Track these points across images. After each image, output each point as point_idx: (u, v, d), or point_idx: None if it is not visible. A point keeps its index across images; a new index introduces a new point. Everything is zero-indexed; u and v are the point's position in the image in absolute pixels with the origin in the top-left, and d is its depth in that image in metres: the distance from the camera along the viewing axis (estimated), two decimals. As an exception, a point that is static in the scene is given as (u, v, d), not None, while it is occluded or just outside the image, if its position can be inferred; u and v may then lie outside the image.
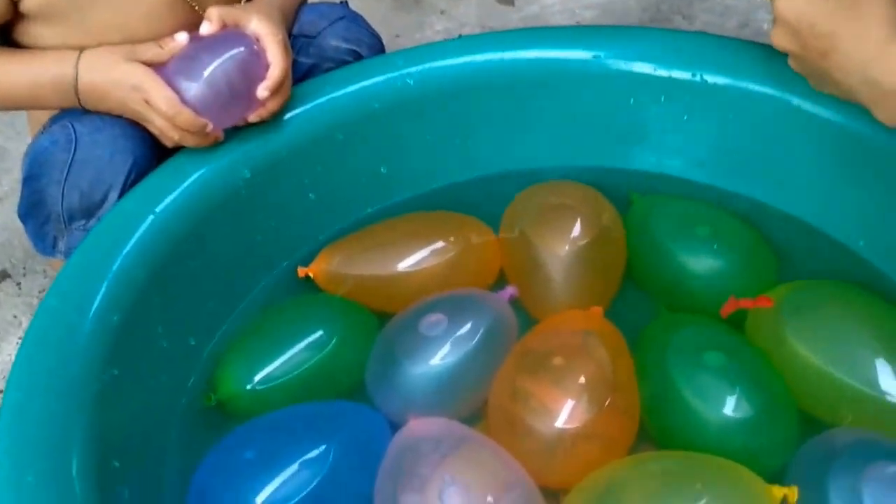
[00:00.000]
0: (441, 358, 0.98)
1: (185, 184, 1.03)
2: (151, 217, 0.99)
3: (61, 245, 1.07)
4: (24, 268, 1.46)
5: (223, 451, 0.92)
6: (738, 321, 1.02)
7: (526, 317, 1.08)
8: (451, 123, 1.24)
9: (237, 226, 1.09)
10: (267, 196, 1.11)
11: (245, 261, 1.11)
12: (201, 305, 1.05)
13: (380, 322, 1.08)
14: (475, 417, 0.98)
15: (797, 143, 1.15)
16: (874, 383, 0.90)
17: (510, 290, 1.08)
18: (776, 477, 0.84)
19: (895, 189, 1.05)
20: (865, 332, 0.94)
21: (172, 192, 1.02)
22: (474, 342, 1.00)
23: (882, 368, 0.90)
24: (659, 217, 1.14)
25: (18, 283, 1.43)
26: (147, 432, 0.93)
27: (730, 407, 0.89)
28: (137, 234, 0.97)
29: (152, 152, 1.05)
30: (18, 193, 1.07)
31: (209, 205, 1.04)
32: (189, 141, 1.01)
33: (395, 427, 0.94)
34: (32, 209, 1.05)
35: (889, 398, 0.89)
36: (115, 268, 0.93)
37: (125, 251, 0.95)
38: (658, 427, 0.95)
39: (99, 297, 0.89)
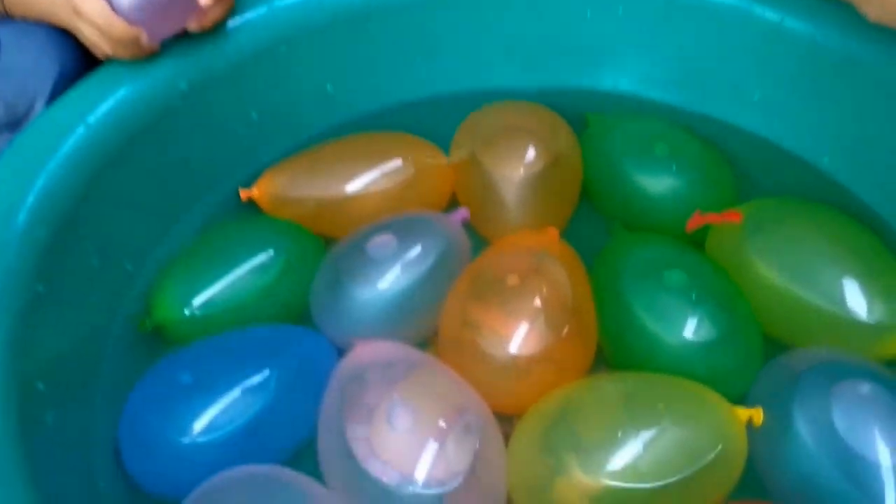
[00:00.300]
0: (389, 281, 0.94)
1: (119, 93, 0.96)
2: (82, 127, 0.92)
3: None
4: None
5: (157, 375, 0.87)
6: (698, 241, 0.99)
7: (478, 240, 1.05)
8: (400, 39, 1.19)
9: (174, 141, 1.03)
10: (205, 111, 1.05)
11: (183, 179, 1.06)
12: (136, 224, 0.99)
13: (326, 247, 1.03)
14: (425, 343, 0.95)
15: (760, 59, 1.11)
16: (839, 301, 0.87)
17: (462, 212, 1.04)
18: (739, 401, 0.82)
19: (860, 103, 1.02)
20: (830, 249, 0.92)
21: (105, 101, 0.95)
22: (424, 264, 0.96)
23: (847, 286, 0.88)
24: (616, 137, 1.10)
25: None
26: (77, 356, 0.88)
27: (691, 329, 0.86)
28: (67, 145, 0.91)
29: (82, 61, 0.99)
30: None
31: (144, 117, 0.98)
32: (122, 53, 0.95)
33: (341, 353, 0.89)
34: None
35: (854, 316, 0.87)
36: (42, 179, 0.87)
37: (53, 162, 0.89)
38: (616, 351, 0.92)
39: (24, 210, 0.83)
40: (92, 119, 0.93)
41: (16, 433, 0.73)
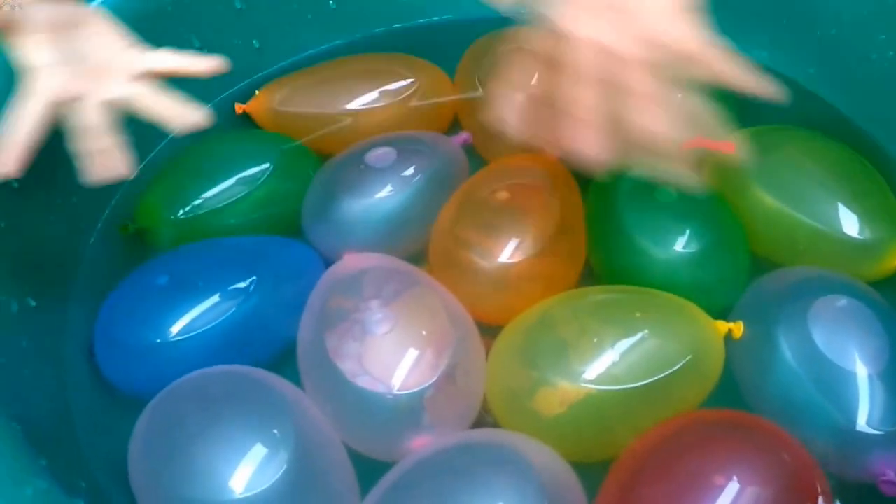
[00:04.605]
0: (385, 192, 0.92)
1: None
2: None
3: None
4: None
5: (136, 278, 0.86)
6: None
7: (479, 163, 1.02)
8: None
9: (163, 45, 0.99)
10: (198, 16, 1.01)
11: (176, 88, 1.02)
12: (126, 128, 0.96)
13: (321, 163, 1.00)
14: (418, 260, 0.91)
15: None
16: (830, 221, 0.86)
17: (464, 135, 1.03)
18: (723, 315, 0.81)
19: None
20: (823, 172, 0.90)
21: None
22: (421, 179, 0.94)
23: (840, 207, 0.86)
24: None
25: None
26: (54, 254, 0.85)
27: (678, 243, 0.85)
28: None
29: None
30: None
31: (132, 16, 0.94)
32: None
33: (330, 265, 0.87)
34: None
35: (845, 236, 0.86)
36: None
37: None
38: (603, 267, 0.90)
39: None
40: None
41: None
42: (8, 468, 0.64)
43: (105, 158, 0.67)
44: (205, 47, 1.03)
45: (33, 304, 0.80)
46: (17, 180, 0.79)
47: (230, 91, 1.08)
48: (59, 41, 0.71)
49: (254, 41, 1.10)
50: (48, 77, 0.69)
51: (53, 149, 0.83)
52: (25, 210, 0.82)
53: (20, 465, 0.65)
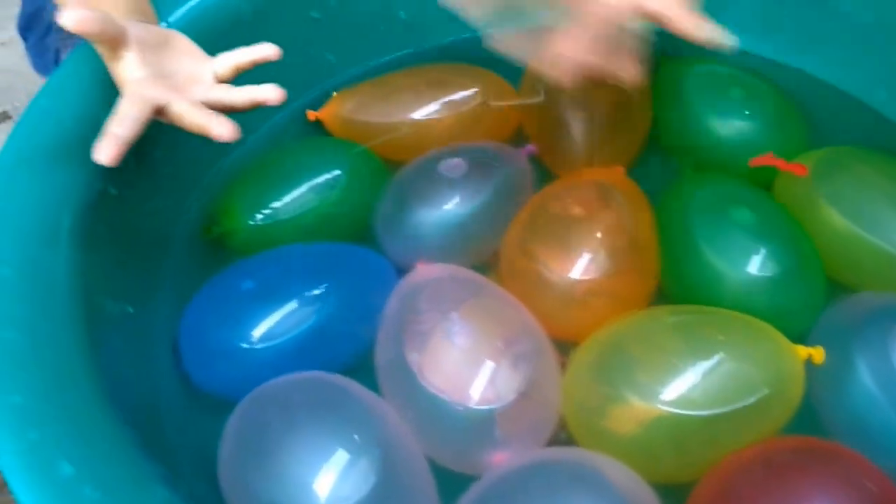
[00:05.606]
0: (457, 202, 0.95)
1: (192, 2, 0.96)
2: (164, 25, 0.92)
3: (64, 56, 1.00)
4: (26, 110, 1.41)
5: (220, 282, 0.88)
6: (765, 184, 0.98)
7: (544, 174, 1.04)
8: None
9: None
10: (274, 26, 1.04)
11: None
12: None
13: (389, 171, 1.03)
14: (484, 270, 0.93)
15: (837, 7, 1.09)
16: None
17: (530, 147, 1.04)
18: (798, 340, 0.81)
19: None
20: (894, 193, 0.90)
21: (184, 4, 0.95)
22: (492, 190, 0.96)
23: None
24: (688, 78, 1.08)
25: (19, 123, 1.39)
26: (140, 257, 0.89)
27: (755, 265, 0.85)
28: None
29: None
30: (21, 40, 1.02)
31: (213, 27, 0.97)
32: None
33: (402, 274, 0.90)
34: (32, 19, 0.99)
35: None
36: None
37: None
38: (678, 287, 0.91)
39: (97, 102, 0.81)
40: (170, 20, 0.93)
41: (82, 328, 0.73)
42: (132, 475, 0.66)
43: (213, 123, 0.74)
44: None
45: (130, 309, 0.83)
46: (115, 186, 0.82)
47: (304, 100, 1.11)
48: (149, 57, 0.75)
49: (328, 54, 1.13)
50: (145, 87, 0.73)
51: (142, 156, 0.88)
52: (122, 214, 0.85)
53: (142, 472, 0.67)
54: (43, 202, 0.76)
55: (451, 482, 0.75)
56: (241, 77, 0.95)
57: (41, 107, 0.82)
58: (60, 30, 0.96)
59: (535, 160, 1.04)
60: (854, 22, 1.08)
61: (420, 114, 1.06)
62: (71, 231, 0.76)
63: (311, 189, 0.97)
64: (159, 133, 0.88)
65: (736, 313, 0.81)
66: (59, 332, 0.70)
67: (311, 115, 1.08)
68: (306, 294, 0.85)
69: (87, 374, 0.69)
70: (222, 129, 0.74)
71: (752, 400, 0.73)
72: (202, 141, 0.89)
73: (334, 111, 1.08)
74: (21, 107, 1.41)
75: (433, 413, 0.77)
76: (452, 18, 1.15)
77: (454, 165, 0.96)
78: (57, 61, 1.01)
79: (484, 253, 0.96)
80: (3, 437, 0.61)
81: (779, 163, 0.95)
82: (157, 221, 0.92)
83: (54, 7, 0.93)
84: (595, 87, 0.98)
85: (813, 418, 0.79)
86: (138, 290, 0.87)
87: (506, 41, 0.87)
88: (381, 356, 0.83)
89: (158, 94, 0.74)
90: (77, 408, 0.66)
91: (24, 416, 0.62)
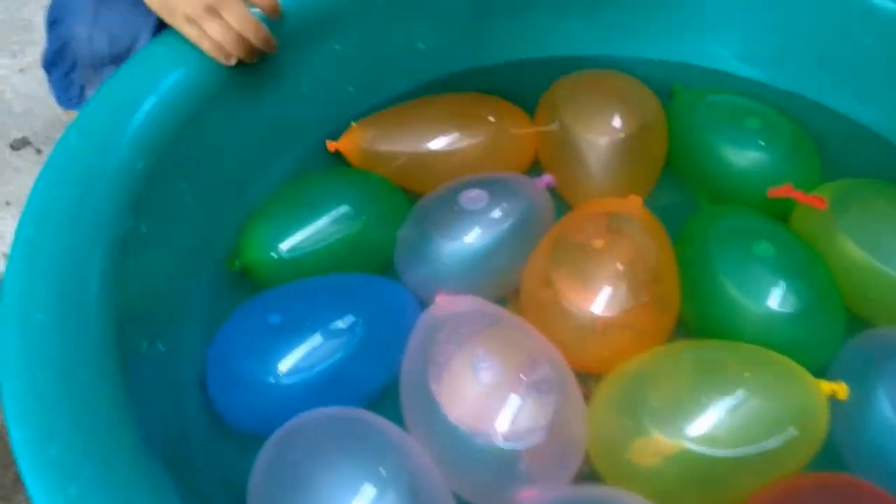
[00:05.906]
0: (477, 234, 0.95)
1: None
2: (183, 67, 0.93)
3: (89, 92, 1.02)
4: (46, 136, 1.42)
5: (245, 315, 0.89)
6: (782, 216, 0.99)
7: (561, 205, 1.05)
8: (494, 2, 1.19)
9: (268, 86, 1.03)
10: (298, 61, 1.06)
11: (275, 127, 1.06)
12: (229, 166, 1.01)
13: (409, 201, 1.04)
14: (504, 302, 0.95)
15: (852, 39, 1.10)
16: None
17: (547, 177, 1.05)
18: (818, 375, 0.81)
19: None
20: None
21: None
22: (512, 222, 0.97)
23: None
24: (704, 109, 1.10)
25: (39, 150, 1.40)
26: (168, 292, 0.90)
27: (776, 299, 0.86)
28: (169, 80, 0.91)
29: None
30: (41, 65, 1.03)
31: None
32: None
33: (422, 305, 0.91)
34: (58, 55, 1.00)
35: None
36: (143, 110, 0.87)
37: (155, 95, 0.90)
38: (698, 320, 0.91)
39: (125, 139, 0.84)
40: (193, 59, 0.94)
41: (115, 363, 0.74)
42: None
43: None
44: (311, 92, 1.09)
45: (162, 347, 0.84)
46: (145, 224, 0.84)
47: (322, 130, 1.12)
48: None
49: (348, 86, 1.15)
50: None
51: (167, 190, 0.89)
52: (150, 250, 0.86)
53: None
54: (74, 242, 0.77)
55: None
56: (264, 110, 0.99)
57: (70, 145, 0.83)
58: (86, 66, 0.98)
59: (551, 191, 1.05)
60: (871, 55, 1.09)
61: (438, 144, 1.08)
62: (102, 271, 0.77)
63: (332, 221, 0.98)
64: (183, 165, 0.90)
65: (759, 348, 0.81)
66: (94, 374, 0.71)
67: (331, 145, 1.10)
68: (333, 328, 0.86)
69: (121, 419, 0.70)
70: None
71: (776, 441, 0.74)
72: (224, 171, 0.92)
73: (353, 142, 1.09)
74: (40, 132, 1.43)
75: (459, 447, 0.77)
76: (468, 47, 1.18)
77: (475, 197, 0.97)
78: (82, 96, 1.02)
79: (504, 285, 0.97)
80: (44, 495, 0.61)
81: (797, 194, 0.96)
82: (184, 256, 0.93)
83: (79, 43, 0.95)
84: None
85: (832, 451, 0.79)
86: (167, 326, 0.87)
87: None
88: (406, 389, 0.84)
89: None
90: (113, 459, 0.66)
91: (63, 471, 0.62)
